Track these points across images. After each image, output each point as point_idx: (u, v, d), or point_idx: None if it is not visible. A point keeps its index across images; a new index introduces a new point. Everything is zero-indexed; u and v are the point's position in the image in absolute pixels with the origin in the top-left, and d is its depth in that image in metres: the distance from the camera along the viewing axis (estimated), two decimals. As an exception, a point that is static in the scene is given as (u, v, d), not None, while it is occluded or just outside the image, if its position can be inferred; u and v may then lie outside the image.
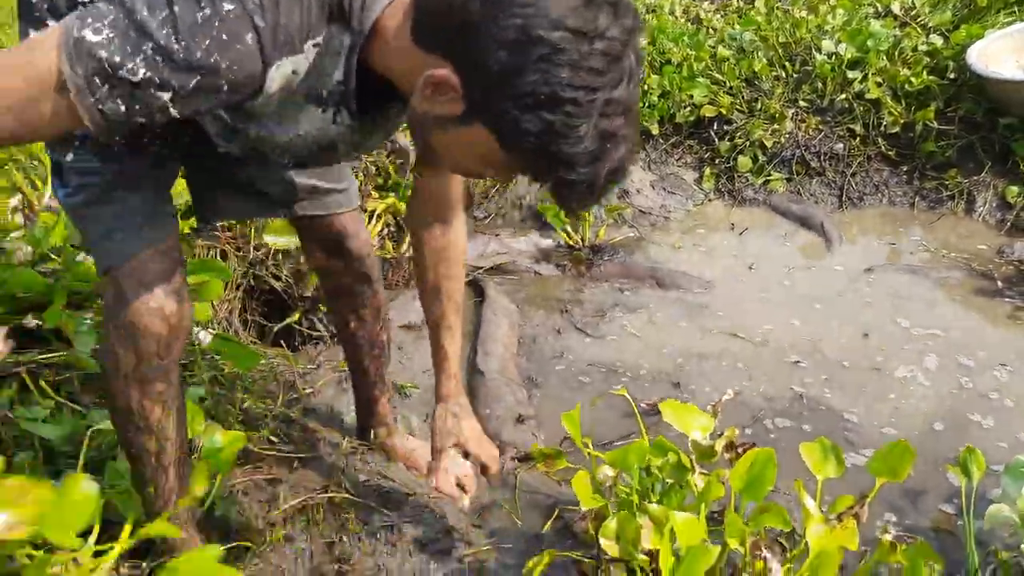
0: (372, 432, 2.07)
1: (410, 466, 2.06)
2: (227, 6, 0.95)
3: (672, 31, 4.29)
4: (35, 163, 2.80)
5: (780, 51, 4.09)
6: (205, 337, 2.20)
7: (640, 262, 3.23)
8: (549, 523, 1.87)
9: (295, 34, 1.02)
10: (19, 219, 2.32)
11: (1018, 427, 2.26)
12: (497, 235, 3.34)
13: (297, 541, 1.80)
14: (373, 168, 3.25)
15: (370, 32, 1.09)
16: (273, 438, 2.04)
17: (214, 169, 1.50)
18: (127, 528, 1.43)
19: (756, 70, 4.00)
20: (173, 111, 1.00)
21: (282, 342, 2.54)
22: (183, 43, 0.94)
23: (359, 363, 1.98)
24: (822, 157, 3.73)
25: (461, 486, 1.76)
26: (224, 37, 0.96)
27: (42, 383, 2.01)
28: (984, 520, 1.59)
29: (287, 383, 2.28)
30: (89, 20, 0.95)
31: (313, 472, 1.98)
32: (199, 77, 0.97)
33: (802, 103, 3.91)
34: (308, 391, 2.30)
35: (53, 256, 2.31)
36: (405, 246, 3.05)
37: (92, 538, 1.27)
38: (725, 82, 3.99)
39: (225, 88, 0.99)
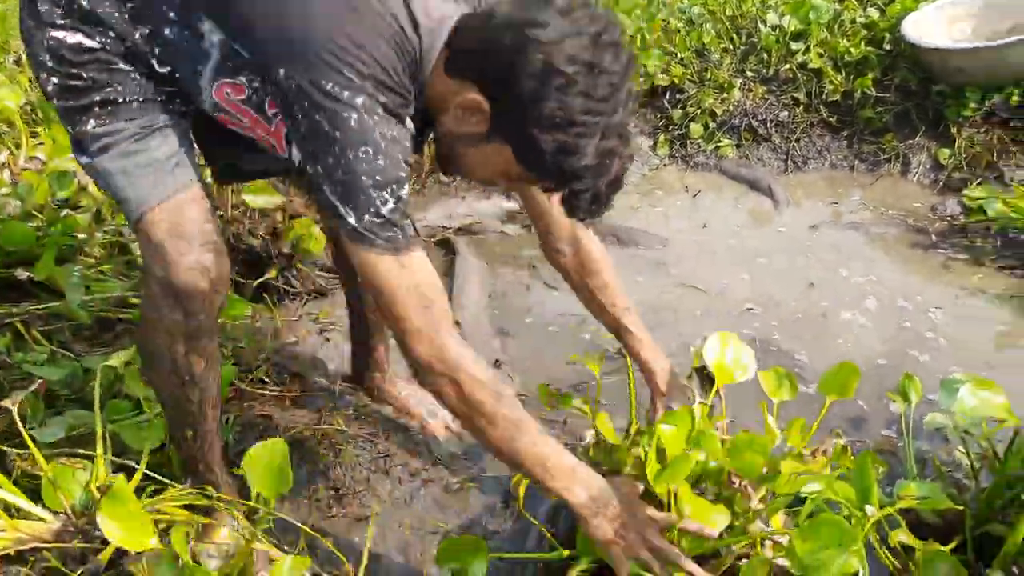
0: (366, 376, 2.17)
1: (400, 408, 2.16)
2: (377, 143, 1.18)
3: (625, 4, 4.44)
4: (8, 128, 2.82)
5: (728, 24, 4.27)
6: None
7: (601, 223, 3.38)
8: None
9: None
10: (6, 176, 2.36)
11: (950, 362, 2.46)
12: (463, 198, 3.46)
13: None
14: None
15: None
16: (264, 379, 2.14)
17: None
18: (146, 453, 1.54)
19: (705, 42, 4.17)
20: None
21: (264, 296, 2.61)
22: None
23: (362, 312, 2.06)
24: (768, 124, 3.93)
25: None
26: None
27: (35, 332, 2.08)
28: (924, 423, 1.78)
29: (273, 331, 2.38)
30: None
31: (305, 410, 2.09)
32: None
33: (749, 73, 4.09)
34: (293, 339, 2.40)
35: (37, 213, 2.37)
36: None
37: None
38: (676, 53, 4.15)
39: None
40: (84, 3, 1.29)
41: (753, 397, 1.85)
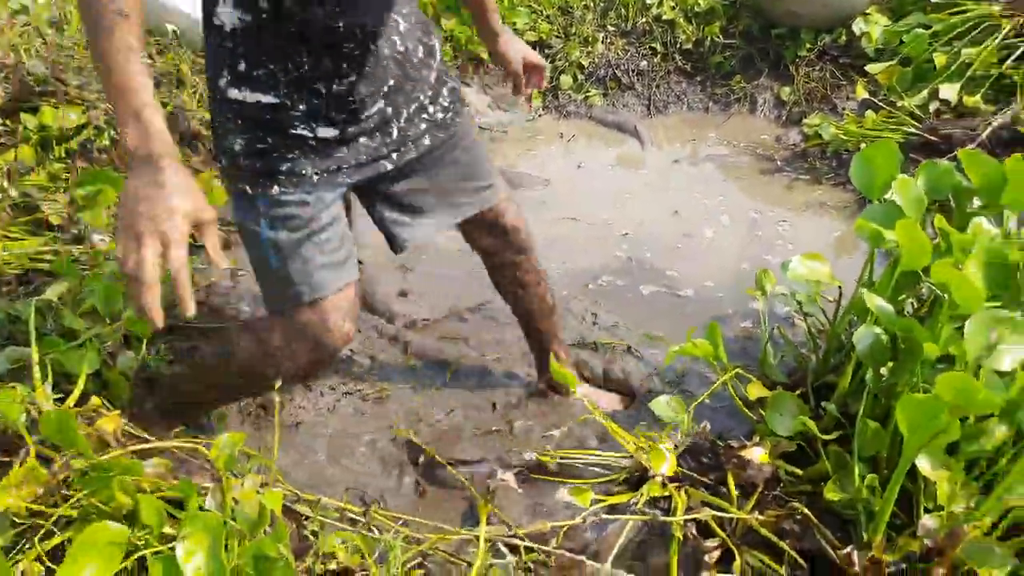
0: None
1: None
2: None
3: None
4: None
5: (587, -18, 4.56)
6: (100, 241, 2.38)
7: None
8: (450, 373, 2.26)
9: None
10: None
11: (797, 263, 2.85)
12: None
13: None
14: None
15: None
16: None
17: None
18: (83, 375, 1.66)
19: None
20: None
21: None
22: None
23: (533, 326, 2.10)
24: (631, 73, 4.25)
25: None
26: None
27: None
28: (774, 299, 2.11)
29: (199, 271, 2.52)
30: None
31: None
32: None
33: (610, 27, 4.40)
34: (221, 280, 2.55)
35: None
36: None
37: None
38: (542, 11, 4.42)
39: None
40: None
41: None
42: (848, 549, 1.47)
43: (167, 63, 3.49)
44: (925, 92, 3.42)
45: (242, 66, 1.43)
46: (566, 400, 2.17)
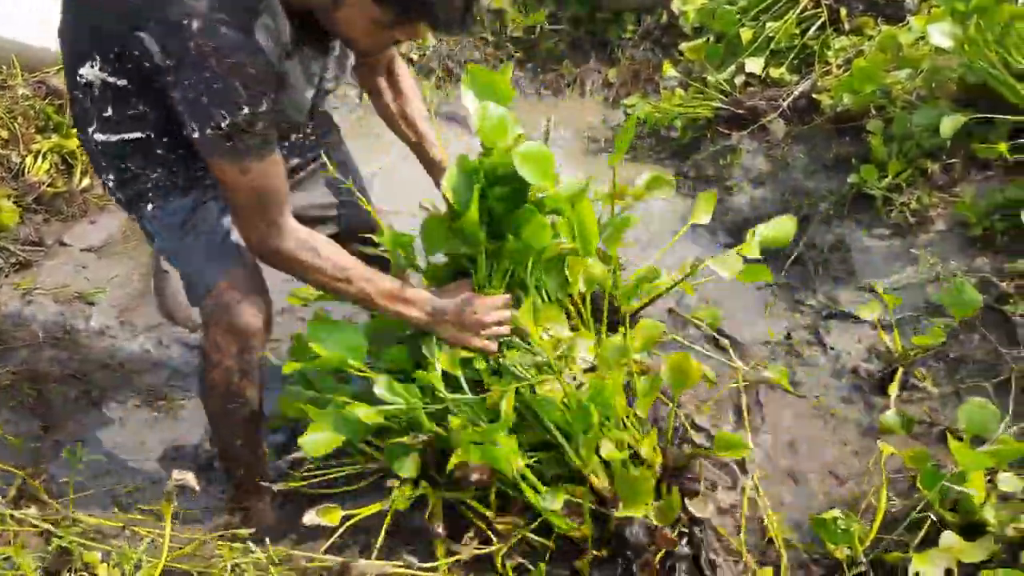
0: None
1: None
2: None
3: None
4: None
5: (418, -25, 4.54)
6: None
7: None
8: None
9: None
10: None
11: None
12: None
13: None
14: (32, 112, 3.30)
15: None
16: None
17: None
18: None
19: (398, -7, 4.43)
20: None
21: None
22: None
23: None
24: (462, 64, 4.26)
25: None
26: None
27: None
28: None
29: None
30: None
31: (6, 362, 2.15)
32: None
33: (442, 19, 4.40)
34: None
35: None
36: (76, 179, 3.16)
37: None
38: (372, 6, 4.38)
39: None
40: None
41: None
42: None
43: None
44: (733, 67, 3.55)
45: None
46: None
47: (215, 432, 1.87)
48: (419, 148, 2.22)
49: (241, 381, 1.72)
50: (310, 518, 1.57)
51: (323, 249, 1.67)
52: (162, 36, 1.46)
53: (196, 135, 1.50)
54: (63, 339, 2.30)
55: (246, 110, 1.48)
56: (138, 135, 1.65)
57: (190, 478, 1.43)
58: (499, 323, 1.78)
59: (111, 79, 1.58)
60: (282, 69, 1.56)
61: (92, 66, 1.57)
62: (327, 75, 1.77)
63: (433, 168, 2.20)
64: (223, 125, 1.48)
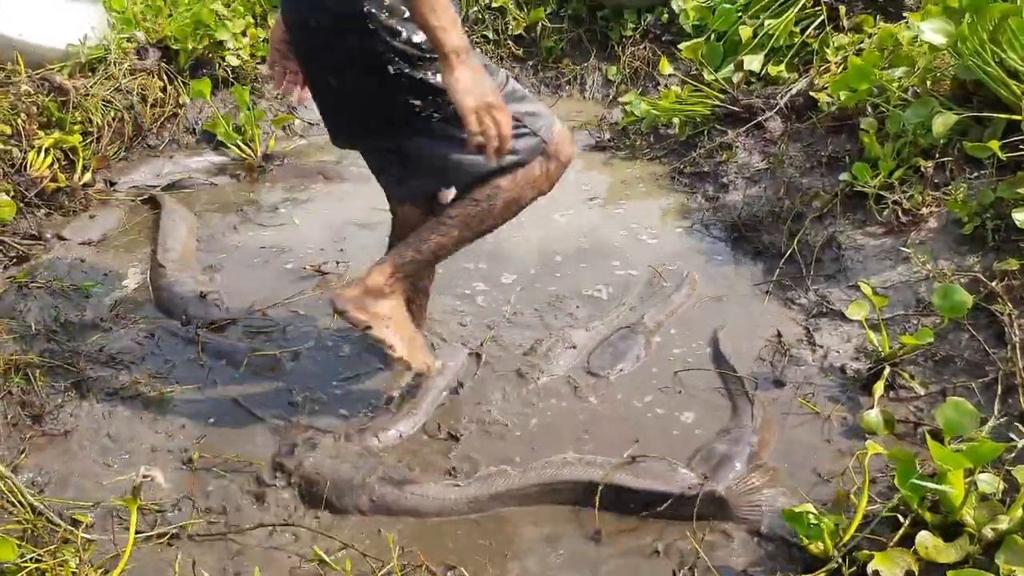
0: None
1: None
2: None
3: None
4: None
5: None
6: None
7: (309, 164, 3.59)
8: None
9: None
10: None
11: (617, 225, 2.92)
12: (171, 157, 3.54)
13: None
14: (35, 108, 3.33)
15: None
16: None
17: None
18: None
19: (401, -9, 4.45)
20: None
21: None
22: None
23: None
24: (464, 61, 4.27)
25: None
26: None
27: None
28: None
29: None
30: None
31: (-2, 356, 2.19)
32: None
33: (444, 17, 4.41)
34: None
35: None
36: (78, 174, 3.20)
37: None
38: (374, 3, 4.40)
39: None
40: None
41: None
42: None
43: None
44: (732, 64, 3.54)
45: None
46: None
47: (462, 232, 1.98)
48: None
49: (536, 198, 1.99)
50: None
51: None
52: None
53: None
54: (56, 331, 2.32)
55: None
56: None
57: (157, 474, 1.45)
58: (504, 134, 1.72)
59: None
60: None
61: None
62: None
63: None
64: None
